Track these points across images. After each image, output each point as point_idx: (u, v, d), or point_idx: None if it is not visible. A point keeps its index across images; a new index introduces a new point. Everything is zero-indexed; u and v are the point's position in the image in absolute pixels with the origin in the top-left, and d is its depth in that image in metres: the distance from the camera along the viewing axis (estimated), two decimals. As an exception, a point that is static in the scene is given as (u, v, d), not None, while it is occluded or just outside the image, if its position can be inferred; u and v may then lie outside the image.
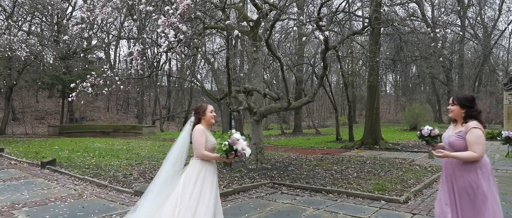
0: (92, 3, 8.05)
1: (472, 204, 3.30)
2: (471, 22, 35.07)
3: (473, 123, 3.29)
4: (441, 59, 18.37)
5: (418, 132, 3.75)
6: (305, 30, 9.27)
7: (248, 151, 3.57)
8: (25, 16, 23.69)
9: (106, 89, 8.39)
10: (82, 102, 28.59)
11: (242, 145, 3.54)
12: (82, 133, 25.13)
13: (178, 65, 34.54)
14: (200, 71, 31.84)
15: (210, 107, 3.81)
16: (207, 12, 6.81)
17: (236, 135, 3.56)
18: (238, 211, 5.46)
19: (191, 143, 3.72)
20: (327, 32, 6.51)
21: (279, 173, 8.48)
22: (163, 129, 32.80)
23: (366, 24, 13.85)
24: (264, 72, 16.75)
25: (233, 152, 3.49)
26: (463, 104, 3.39)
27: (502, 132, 4.56)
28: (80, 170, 8.62)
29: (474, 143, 3.23)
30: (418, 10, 21.54)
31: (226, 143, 3.49)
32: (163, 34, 5.74)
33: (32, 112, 32.55)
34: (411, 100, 39.26)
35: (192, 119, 3.81)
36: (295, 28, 10.70)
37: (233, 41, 21.85)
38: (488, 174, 3.35)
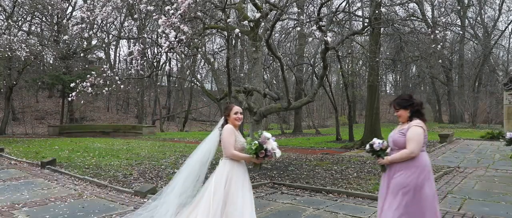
0: (92, 3, 8.05)
1: (400, 200, 3.38)
2: (471, 22, 35.07)
3: (415, 121, 3.47)
4: (440, 60, 18.35)
5: (368, 146, 3.64)
6: (306, 30, 9.27)
7: (278, 152, 3.53)
8: (25, 16, 23.68)
9: (106, 89, 8.39)
10: (82, 102, 28.57)
11: (272, 144, 3.51)
12: (82, 133, 25.11)
13: (178, 65, 34.51)
14: (200, 71, 31.88)
15: (235, 108, 3.75)
16: (207, 12, 6.81)
17: (266, 134, 3.52)
18: (238, 211, 5.45)
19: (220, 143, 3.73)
20: (330, 34, 6.50)
21: (279, 173, 8.48)
22: (163, 129, 32.80)
23: (366, 24, 13.85)
24: (264, 72, 16.74)
25: (263, 151, 3.44)
26: (405, 106, 3.54)
27: (507, 133, 4.39)
28: (80, 170, 8.62)
29: (410, 140, 3.39)
30: (418, 10, 21.54)
31: (256, 142, 3.46)
32: (163, 34, 5.75)
33: (32, 112, 32.53)
34: (411, 100, 39.15)
35: (222, 119, 3.81)
36: (298, 28, 10.68)
37: (233, 41, 21.85)
38: (425, 173, 3.43)
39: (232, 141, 3.57)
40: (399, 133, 3.51)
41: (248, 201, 3.55)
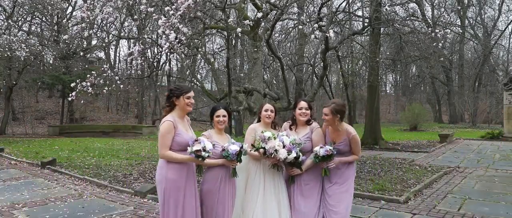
0: (92, 3, 8.04)
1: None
2: (471, 22, 35.07)
3: (315, 123, 3.96)
4: (441, 59, 18.34)
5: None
6: (306, 30, 9.25)
7: (281, 153, 3.45)
8: (25, 16, 23.64)
9: (106, 89, 8.38)
10: (82, 102, 28.56)
11: (274, 144, 3.46)
12: (82, 133, 25.08)
13: (178, 65, 34.51)
14: (200, 71, 31.87)
15: (265, 106, 4.00)
16: (207, 12, 6.80)
17: (266, 133, 3.56)
18: (238, 211, 5.44)
19: None
20: (331, 32, 6.49)
21: (279, 173, 8.46)
22: (163, 129, 32.73)
23: (366, 24, 13.84)
24: (264, 72, 16.73)
25: (262, 149, 3.51)
26: (311, 108, 3.94)
27: (316, 150, 3.40)
28: (80, 170, 8.63)
29: (321, 140, 3.87)
30: (418, 10, 21.55)
31: (259, 140, 3.60)
32: (163, 35, 5.74)
33: (32, 112, 32.51)
34: (411, 100, 39.21)
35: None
36: (300, 26, 10.64)
37: (233, 41, 21.84)
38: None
39: (250, 138, 3.76)
40: (313, 136, 3.83)
41: (251, 197, 3.65)
